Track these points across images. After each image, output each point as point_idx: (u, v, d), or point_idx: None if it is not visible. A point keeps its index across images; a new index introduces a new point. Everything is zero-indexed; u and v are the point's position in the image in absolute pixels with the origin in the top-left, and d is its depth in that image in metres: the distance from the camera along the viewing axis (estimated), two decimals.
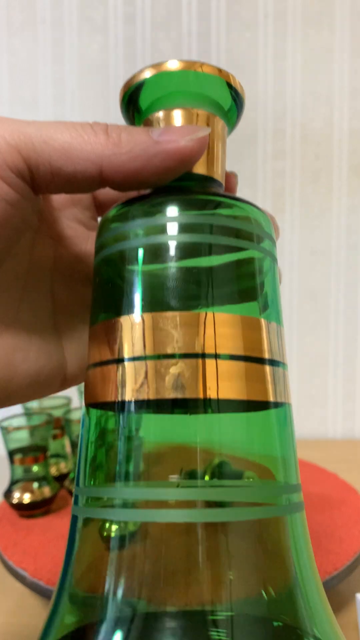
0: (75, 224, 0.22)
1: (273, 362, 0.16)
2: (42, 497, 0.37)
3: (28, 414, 0.42)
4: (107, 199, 0.23)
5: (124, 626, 0.13)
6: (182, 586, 0.14)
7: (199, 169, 0.18)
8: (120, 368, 0.16)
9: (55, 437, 0.44)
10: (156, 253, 0.16)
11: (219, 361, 0.15)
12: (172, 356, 0.15)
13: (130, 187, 0.17)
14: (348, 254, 0.64)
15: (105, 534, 0.15)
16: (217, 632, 0.13)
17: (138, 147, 0.16)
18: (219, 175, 0.19)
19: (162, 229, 0.16)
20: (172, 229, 0.16)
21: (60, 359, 0.21)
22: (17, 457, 0.38)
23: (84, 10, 0.62)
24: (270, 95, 0.63)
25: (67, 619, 0.14)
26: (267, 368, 0.16)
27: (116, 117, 0.24)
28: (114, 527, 0.15)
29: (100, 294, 0.18)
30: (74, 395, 0.51)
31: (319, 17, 0.61)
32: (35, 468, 0.38)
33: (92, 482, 0.16)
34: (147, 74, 0.18)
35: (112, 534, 0.15)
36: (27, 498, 0.37)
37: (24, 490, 0.37)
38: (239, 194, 0.20)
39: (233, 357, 0.15)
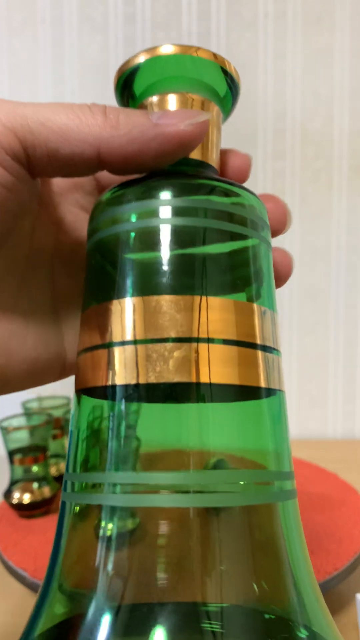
0: (77, 210, 0.22)
1: (266, 348, 0.16)
2: (42, 498, 0.37)
3: (28, 414, 0.42)
4: (110, 183, 0.22)
5: (114, 617, 0.13)
6: (174, 576, 0.13)
7: (194, 154, 0.18)
8: (110, 352, 0.15)
9: (55, 437, 0.44)
10: (149, 237, 0.16)
11: (212, 346, 0.15)
12: (164, 340, 0.15)
13: (128, 170, 0.17)
14: (348, 254, 0.64)
15: (101, 532, 0.15)
16: (210, 623, 0.13)
17: (136, 130, 0.16)
18: (213, 161, 0.19)
19: (156, 213, 0.16)
20: (166, 212, 0.16)
21: (59, 347, 0.20)
22: (17, 457, 0.38)
23: (84, 10, 0.62)
24: (270, 95, 0.63)
25: (57, 609, 0.14)
26: (260, 353, 0.16)
27: None
28: (110, 526, 0.14)
29: (92, 278, 0.18)
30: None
31: (319, 17, 0.61)
32: (35, 468, 0.38)
33: (82, 468, 0.16)
34: (142, 59, 0.18)
35: (109, 533, 0.14)
36: (27, 498, 0.37)
37: (24, 490, 0.37)
38: None
39: (226, 342, 0.15)
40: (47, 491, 0.38)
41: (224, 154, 0.21)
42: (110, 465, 0.15)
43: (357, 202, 0.64)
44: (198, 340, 0.15)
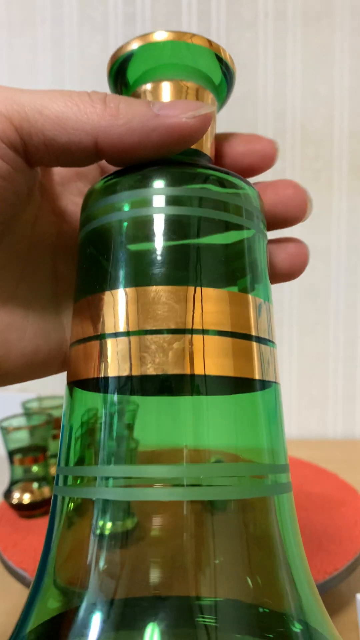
0: (80, 199, 0.21)
1: (261, 340, 0.16)
2: (42, 498, 0.37)
3: (28, 414, 0.42)
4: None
5: (108, 611, 0.13)
6: (168, 570, 0.13)
7: None
8: (103, 344, 0.15)
9: (55, 437, 0.44)
10: (143, 226, 0.16)
11: (207, 337, 0.15)
12: (158, 332, 0.15)
13: (126, 161, 0.16)
14: (348, 254, 0.64)
15: (98, 531, 0.15)
16: (204, 617, 0.13)
17: (136, 120, 0.15)
18: (208, 150, 0.19)
19: (150, 202, 0.16)
20: (160, 201, 0.16)
21: (60, 339, 0.20)
22: (17, 457, 0.38)
23: (84, 10, 0.62)
24: (270, 95, 0.63)
25: (50, 604, 0.14)
26: (255, 345, 0.16)
27: None
28: (103, 520, 0.14)
29: (85, 269, 0.17)
30: None
31: (319, 17, 0.61)
32: (35, 468, 0.38)
33: (74, 462, 0.16)
34: (135, 45, 0.18)
35: (102, 527, 0.14)
36: (27, 498, 0.37)
37: (24, 490, 0.37)
38: None
39: (221, 333, 0.15)
40: (47, 491, 0.38)
41: (246, 139, 0.20)
42: (102, 459, 0.15)
43: (357, 202, 0.64)
44: (192, 331, 0.15)
